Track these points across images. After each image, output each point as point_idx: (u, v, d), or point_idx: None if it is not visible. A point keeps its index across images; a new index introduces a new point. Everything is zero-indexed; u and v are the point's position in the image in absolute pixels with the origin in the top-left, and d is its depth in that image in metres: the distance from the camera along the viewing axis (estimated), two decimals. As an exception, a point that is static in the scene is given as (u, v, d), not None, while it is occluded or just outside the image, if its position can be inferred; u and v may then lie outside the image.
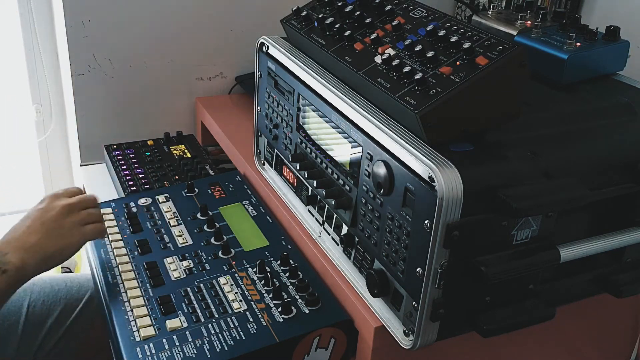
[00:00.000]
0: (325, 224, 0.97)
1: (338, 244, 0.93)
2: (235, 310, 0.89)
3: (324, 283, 0.94)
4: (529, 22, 1.07)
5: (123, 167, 1.30)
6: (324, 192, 0.92)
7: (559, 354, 1.05)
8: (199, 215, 1.09)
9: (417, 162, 0.71)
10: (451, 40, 0.78)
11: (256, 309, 0.89)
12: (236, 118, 1.39)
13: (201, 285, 0.94)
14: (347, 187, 0.88)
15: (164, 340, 0.84)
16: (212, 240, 1.03)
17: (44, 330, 1.10)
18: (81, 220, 0.93)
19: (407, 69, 0.78)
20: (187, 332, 0.86)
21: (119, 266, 0.98)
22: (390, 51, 0.84)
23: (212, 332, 0.86)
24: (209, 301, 0.91)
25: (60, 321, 1.12)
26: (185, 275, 0.96)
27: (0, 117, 1.67)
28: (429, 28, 0.82)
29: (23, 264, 0.85)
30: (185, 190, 1.16)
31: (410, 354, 0.78)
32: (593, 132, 0.85)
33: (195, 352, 0.83)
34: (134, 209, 1.12)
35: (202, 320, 0.88)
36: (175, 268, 0.97)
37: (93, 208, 0.97)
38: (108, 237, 1.04)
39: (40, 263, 0.87)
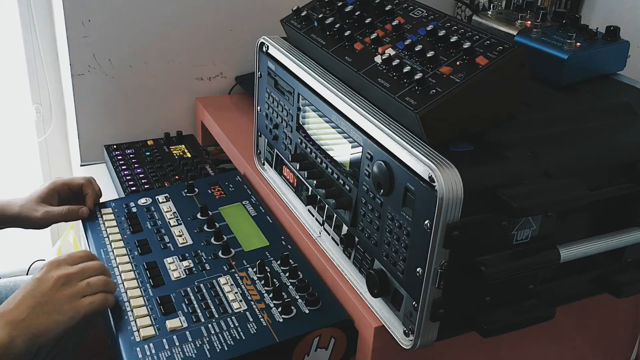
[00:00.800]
0: (325, 224, 0.97)
1: (338, 244, 0.93)
2: (235, 310, 0.89)
3: (324, 283, 0.94)
4: (529, 22, 1.07)
5: (123, 167, 1.30)
6: (324, 192, 0.92)
7: (559, 354, 1.05)
8: (199, 215, 1.09)
9: (417, 162, 0.71)
10: (451, 40, 0.78)
11: (256, 309, 0.89)
12: (236, 118, 1.39)
13: (201, 285, 0.94)
14: (347, 187, 0.88)
15: (164, 340, 0.84)
16: (212, 240, 1.03)
17: None
18: (78, 292, 0.85)
19: (407, 69, 0.78)
20: (187, 332, 0.86)
21: (119, 266, 0.98)
22: (390, 51, 0.84)
23: (212, 332, 0.86)
24: (209, 301, 0.91)
25: None
26: (185, 275, 0.96)
27: (0, 117, 1.67)
28: (429, 28, 0.82)
29: (11, 341, 0.78)
30: (185, 190, 1.17)
31: (410, 354, 0.78)
32: (593, 132, 0.85)
33: (195, 352, 0.83)
34: (134, 209, 1.12)
35: (202, 320, 0.88)
36: (175, 268, 0.97)
37: (97, 276, 0.88)
38: (108, 237, 1.04)
39: (30, 341, 0.80)
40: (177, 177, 1.28)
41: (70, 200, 1.13)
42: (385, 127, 0.78)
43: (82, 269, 0.87)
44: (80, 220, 1.11)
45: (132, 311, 0.89)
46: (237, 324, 0.87)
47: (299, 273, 0.96)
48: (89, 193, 1.12)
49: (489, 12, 1.14)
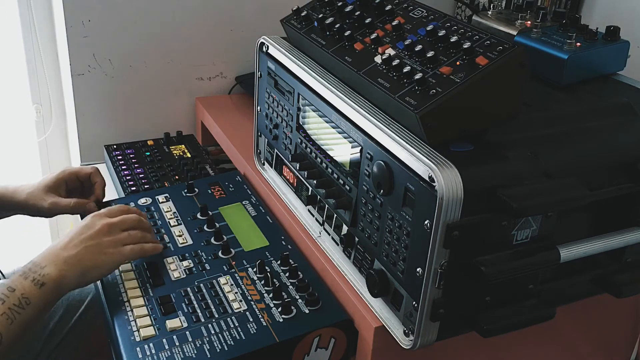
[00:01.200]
0: (325, 224, 0.97)
1: (338, 244, 0.93)
2: (235, 310, 0.89)
3: (324, 283, 0.94)
4: (529, 22, 1.07)
5: (123, 167, 1.30)
6: (324, 192, 0.92)
7: (559, 354, 1.05)
8: (199, 215, 1.09)
9: (417, 162, 0.71)
10: (451, 40, 0.78)
11: (256, 309, 0.89)
12: (236, 118, 1.39)
13: (201, 285, 0.94)
14: (347, 187, 0.88)
15: (164, 340, 0.84)
16: (212, 240, 1.03)
17: (46, 332, 1.10)
18: (120, 240, 0.93)
19: (407, 69, 0.78)
20: (187, 332, 0.86)
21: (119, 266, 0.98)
22: (390, 51, 0.84)
23: (212, 332, 0.86)
24: (209, 301, 0.91)
25: (62, 322, 1.12)
26: (185, 275, 0.96)
27: (0, 117, 1.67)
28: (429, 28, 0.82)
29: (61, 277, 0.85)
30: (185, 190, 1.16)
31: (410, 354, 0.78)
32: (593, 132, 0.85)
33: (195, 352, 0.83)
34: (134, 209, 1.12)
35: (202, 320, 0.88)
36: (175, 268, 0.97)
37: (136, 230, 0.96)
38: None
39: (79, 277, 0.87)
40: (177, 177, 1.28)
41: (77, 190, 1.13)
42: (385, 127, 0.78)
43: (122, 220, 0.96)
44: (80, 217, 1.11)
45: (132, 311, 0.89)
46: (237, 324, 0.87)
47: (299, 273, 0.96)
48: (98, 181, 1.13)
49: (489, 12, 1.14)
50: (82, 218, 1.09)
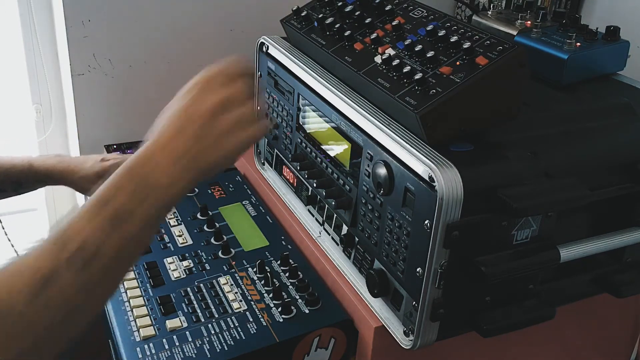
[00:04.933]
0: (325, 224, 0.97)
1: (338, 244, 0.93)
2: (235, 310, 0.89)
3: (324, 283, 0.94)
4: (529, 22, 1.07)
5: (123, 167, 1.30)
6: (324, 192, 0.92)
7: (559, 354, 1.05)
8: (199, 215, 1.09)
9: (417, 162, 0.71)
10: (451, 40, 0.78)
11: (256, 309, 0.89)
12: (236, 118, 1.39)
13: (201, 285, 0.94)
14: (347, 187, 0.88)
15: (164, 340, 0.84)
16: (212, 240, 1.03)
17: None
18: (237, 123, 0.67)
19: (407, 69, 0.78)
20: (187, 332, 0.86)
21: (119, 266, 0.98)
22: (390, 51, 0.84)
23: (212, 332, 0.86)
24: (209, 301, 0.91)
25: None
26: (185, 275, 0.96)
27: (0, 117, 1.67)
28: (429, 28, 0.82)
29: (172, 183, 0.64)
30: (185, 190, 1.16)
31: (410, 354, 0.78)
32: (593, 132, 0.85)
33: (195, 352, 0.83)
34: (134, 209, 1.12)
35: (202, 320, 0.88)
36: (175, 268, 0.97)
37: (249, 101, 0.69)
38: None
39: (192, 180, 0.65)
40: (177, 177, 1.27)
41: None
42: (385, 127, 0.78)
43: (238, 93, 0.68)
44: None
45: (132, 311, 0.89)
46: (237, 324, 0.87)
47: (299, 273, 0.96)
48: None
49: (489, 12, 1.14)
50: None
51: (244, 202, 1.13)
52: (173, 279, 0.95)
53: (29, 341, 0.58)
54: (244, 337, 0.85)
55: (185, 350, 0.83)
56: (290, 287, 0.93)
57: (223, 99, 0.67)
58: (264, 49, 1.08)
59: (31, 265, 0.58)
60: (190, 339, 0.84)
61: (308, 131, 0.98)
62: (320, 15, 0.98)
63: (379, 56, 0.84)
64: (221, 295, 0.92)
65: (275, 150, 1.10)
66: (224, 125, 0.66)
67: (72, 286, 0.59)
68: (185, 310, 0.89)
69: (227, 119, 0.66)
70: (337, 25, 0.91)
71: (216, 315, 0.88)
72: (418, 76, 0.75)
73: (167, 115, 0.69)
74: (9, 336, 0.56)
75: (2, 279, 0.57)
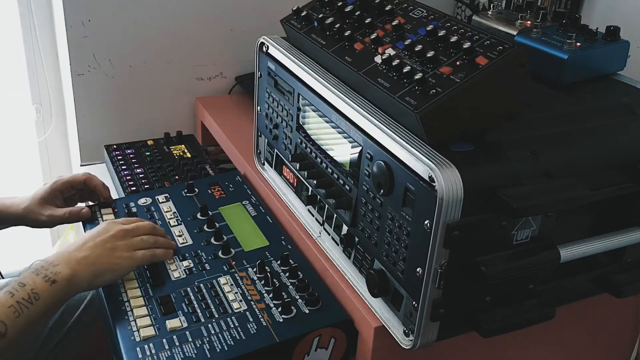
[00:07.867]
0: (325, 224, 0.97)
1: (338, 244, 0.93)
2: (235, 310, 0.89)
3: (324, 283, 0.94)
4: (529, 22, 1.07)
5: (123, 167, 1.30)
6: (324, 192, 0.92)
7: (559, 354, 1.05)
8: (199, 215, 1.09)
9: (417, 162, 0.71)
10: (451, 40, 0.78)
11: (256, 309, 0.89)
12: (236, 118, 1.39)
13: (201, 285, 0.94)
14: (347, 187, 0.88)
15: (164, 340, 0.84)
16: (212, 240, 1.03)
17: (45, 331, 1.10)
18: (133, 245, 0.95)
19: (407, 69, 0.78)
20: (187, 332, 0.86)
21: (119, 266, 0.98)
22: (390, 51, 0.84)
23: (212, 332, 0.86)
24: (209, 301, 0.91)
25: (61, 322, 1.12)
26: (185, 275, 0.96)
27: (0, 117, 1.67)
28: (429, 28, 0.82)
29: (73, 276, 0.86)
30: (185, 190, 1.16)
31: (410, 354, 0.78)
32: (593, 132, 0.85)
33: (195, 352, 0.83)
34: (134, 209, 1.12)
35: (202, 320, 0.88)
36: (175, 268, 0.97)
37: (149, 235, 0.98)
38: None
39: (91, 278, 0.89)
40: (177, 177, 1.28)
41: (74, 197, 1.13)
42: (385, 127, 0.78)
43: (136, 226, 0.98)
44: (82, 224, 1.11)
45: (132, 311, 0.89)
46: (237, 324, 0.87)
47: (299, 273, 0.96)
48: (96, 185, 1.12)
49: (489, 12, 1.14)
50: (84, 225, 1.09)
51: (244, 202, 1.13)
52: (173, 279, 0.95)
53: None
54: (244, 337, 0.85)
55: (185, 350, 0.83)
56: (290, 287, 0.93)
57: (123, 229, 0.95)
58: (264, 49, 1.08)
59: None
60: (190, 339, 0.84)
61: (308, 131, 0.98)
62: (320, 15, 0.98)
63: (379, 56, 0.84)
64: (221, 295, 0.92)
65: (275, 150, 1.10)
66: (120, 245, 0.93)
67: None
68: (185, 310, 0.89)
69: (123, 242, 0.94)
70: (337, 25, 0.91)
71: (216, 315, 0.88)
72: (418, 76, 0.75)
73: (79, 238, 0.94)
74: None
75: None
